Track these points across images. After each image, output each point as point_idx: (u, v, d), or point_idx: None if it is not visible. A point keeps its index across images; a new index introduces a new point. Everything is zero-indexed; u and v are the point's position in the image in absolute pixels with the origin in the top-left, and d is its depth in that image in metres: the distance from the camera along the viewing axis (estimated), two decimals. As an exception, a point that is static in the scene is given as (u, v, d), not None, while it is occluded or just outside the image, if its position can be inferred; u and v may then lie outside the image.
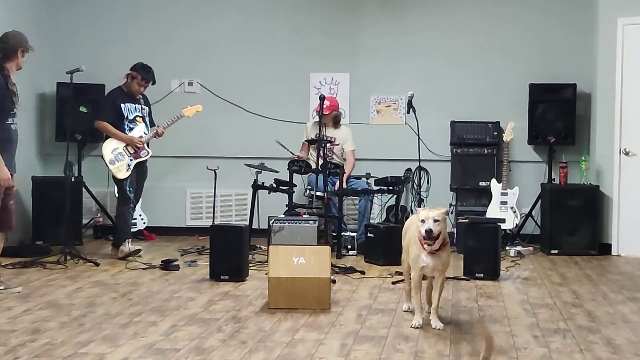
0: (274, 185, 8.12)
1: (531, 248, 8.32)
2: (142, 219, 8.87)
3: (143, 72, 7.60)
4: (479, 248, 6.80)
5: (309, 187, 8.06)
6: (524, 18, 8.94)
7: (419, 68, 9.04)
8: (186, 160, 9.20)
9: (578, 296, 6.10)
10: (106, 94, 8.05)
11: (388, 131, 9.02)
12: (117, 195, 8.02)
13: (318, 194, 7.82)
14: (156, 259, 7.41)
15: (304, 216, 7.52)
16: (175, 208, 9.20)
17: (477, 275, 6.73)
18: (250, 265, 6.88)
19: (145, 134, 7.68)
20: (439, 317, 5.09)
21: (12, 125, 5.91)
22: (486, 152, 8.74)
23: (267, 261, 5.89)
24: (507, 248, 8.07)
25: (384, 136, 9.00)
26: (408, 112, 8.21)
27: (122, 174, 7.52)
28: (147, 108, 7.81)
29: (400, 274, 6.48)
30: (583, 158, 8.39)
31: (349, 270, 6.97)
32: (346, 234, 7.97)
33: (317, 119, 8.19)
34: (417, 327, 5.00)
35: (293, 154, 8.17)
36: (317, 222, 7.42)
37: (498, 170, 8.57)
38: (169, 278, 6.65)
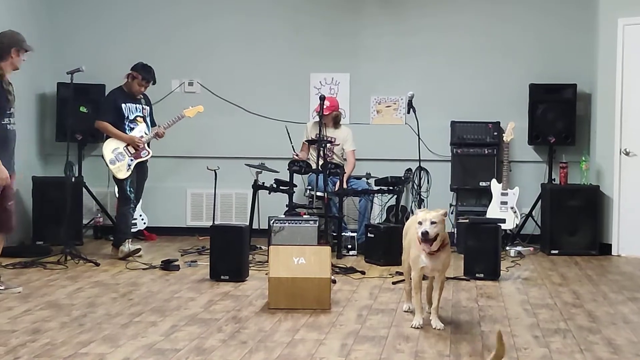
0: (274, 185, 8.13)
1: (531, 248, 8.32)
2: (142, 219, 8.87)
3: (143, 72, 7.60)
4: (479, 248, 6.80)
5: (309, 187, 8.06)
6: (524, 18, 8.94)
7: (419, 68, 9.04)
8: (186, 161, 9.21)
9: (578, 296, 6.10)
10: (107, 94, 8.05)
11: (388, 131, 9.02)
12: (117, 195, 8.02)
13: (318, 194, 7.82)
14: (156, 259, 7.41)
15: (304, 216, 7.52)
16: (176, 208, 9.20)
17: (477, 275, 6.73)
18: (250, 265, 6.88)
19: (146, 134, 7.68)
20: (440, 317, 5.09)
21: (8, 126, 5.88)
22: (486, 152, 8.74)
23: (267, 261, 5.89)
24: (508, 248, 8.07)
25: (384, 136, 9.00)
26: (408, 112, 8.21)
27: (123, 174, 7.52)
28: (148, 108, 7.81)
29: (401, 274, 6.49)
30: (583, 158, 8.39)
31: (349, 270, 6.97)
32: (346, 234, 7.97)
33: (317, 119, 8.19)
34: (418, 327, 5.00)
35: (294, 151, 8.16)
36: (317, 222, 7.42)
37: (498, 170, 8.57)
38: (169, 278, 6.65)
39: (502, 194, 8.37)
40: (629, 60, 8.13)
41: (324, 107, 8.02)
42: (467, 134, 8.75)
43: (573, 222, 8.21)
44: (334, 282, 6.29)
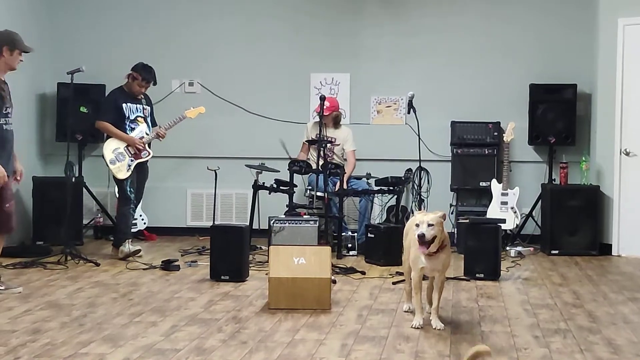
0: (275, 185, 8.12)
1: (531, 248, 8.32)
2: (142, 219, 8.87)
3: (144, 73, 7.59)
4: (479, 248, 6.80)
5: (310, 187, 8.06)
6: (524, 18, 8.94)
7: (419, 68, 9.04)
8: (187, 161, 9.21)
9: (578, 296, 6.10)
10: (107, 94, 8.05)
11: (388, 131, 9.02)
12: (117, 195, 8.02)
13: (318, 194, 7.82)
14: (157, 259, 7.41)
15: (305, 216, 7.52)
16: (176, 208, 9.20)
17: (477, 275, 6.73)
18: (250, 265, 6.88)
19: (146, 134, 7.67)
20: (440, 318, 5.09)
21: (4, 126, 5.86)
22: (486, 152, 8.74)
23: (267, 261, 5.88)
24: (508, 248, 8.07)
25: (385, 136, 9.00)
26: (408, 113, 8.21)
27: (123, 174, 7.51)
28: (149, 108, 7.81)
29: (401, 274, 6.49)
30: (583, 158, 8.39)
31: (350, 270, 6.97)
32: (347, 234, 7.98)
33: (317, 119, 8.19)
34: (418, 328, 5.00)
35: (290, 158, 8.16)
36: (317, 222, 7.42)
37: (498, 170, 8.57)
38: (169, 278, 6.65)
39: (503, 194, 8.37)
40: (629, 60, 8.13)
41: (324, 107, 8.02)
42: (467, 134, 8.75)
43: (573, 222, 8.21)
44: (334, 282, 6.29)
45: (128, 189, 7.54)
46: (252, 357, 4.35)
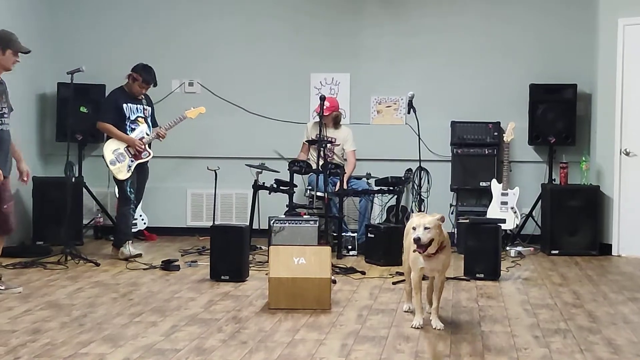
0: (275, 185, 8.12)
1: (532, 248, 8.32)
2: (142, 219, 8.87)
3: (145, 74, 7.57)
4: (479, 248, 6.80)
5: (310, 187, 8.06)
6: (524, 19, 8.94)
7: (419, 68, 9.04)
8: (187, 161, 9.21)
9: (578, 296, 6.10)
10: (108, 94, 8.03)
11: (388, 131, 9.02)
12: (117, 195, 8.02)
13: (318, 194, 7.82)
14: (157, 259, 7.41)
15: (305, 216, 7.52)
16: (176, 208, 9.20)
17: (477, 275, 6.73)
18: (250, 265, 6.88)
19: (147, 134, 7.66)
20: (440, 318, 5.09)
21: (0, 126, 5.82)
22: (487, 152, 8.74)
23: (267, 261, 5.88)
24: (508, 248, 8.07)
25: (385, 136, 9.00)
26: (408, 113, 8.21)
27: (123, 174, 7.51)
28: (149, 108, 7.79)
29: (401, 274, 6.49)
30: (583, 158, 8.39)
31: (350, 270, 6.97)
32: (347, 234, 7.97)
33: (317, 119, 8.19)
34: (418, 328, 5.00)
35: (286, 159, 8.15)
36: (317, 222, 7.42)
37: (498, 170, 8.57)
38: (169, 278, 6.65)
39: (503, 194, 8.37)
40: (629, 61, 8.13)
41: (324, 107, 8.02)
42: (467, 134, 8.75)
43: (573, 222, 8.21)
44: (334, 282, 6.29)
45: (128, 190, 7.54)
46: (252, 357, 4.36)
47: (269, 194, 8.16)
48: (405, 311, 5.43)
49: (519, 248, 8.17)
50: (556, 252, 8.14)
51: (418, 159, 8.19)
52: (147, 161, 7.72)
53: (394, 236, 7.10)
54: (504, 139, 8.38)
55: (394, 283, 6.49)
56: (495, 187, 8.42)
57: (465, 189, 8.81)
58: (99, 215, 8.97)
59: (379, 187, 8.24)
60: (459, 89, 8.98)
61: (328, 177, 7.96)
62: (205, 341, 4.66)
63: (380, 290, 6.26)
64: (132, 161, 7.56)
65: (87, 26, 9.24)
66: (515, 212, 8.31)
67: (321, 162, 7.89)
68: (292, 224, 7.40)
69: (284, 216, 7.57)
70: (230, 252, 6.48)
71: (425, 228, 4.87)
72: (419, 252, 4.93)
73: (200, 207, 9.20)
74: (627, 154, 8.12)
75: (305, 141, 8.47)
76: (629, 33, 8.13)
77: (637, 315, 5.49)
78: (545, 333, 4.95)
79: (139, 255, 7.54)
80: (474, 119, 8.78)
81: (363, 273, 6.89)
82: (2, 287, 5.91)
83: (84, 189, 8.70)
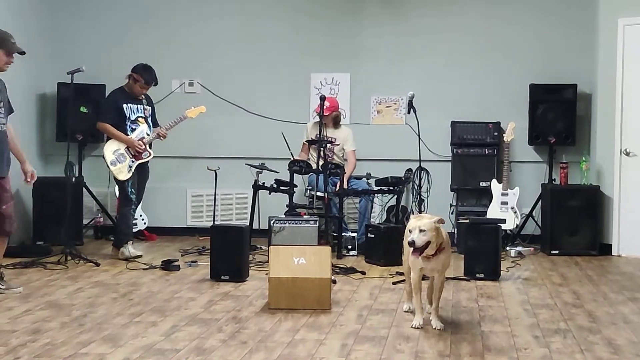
0: (275, 185, 8.12)
1: (532, 248, 8.32)
2: (142, 219, 8.87)
3: (146, 75, 7.56)
4: (479, 248, 6.80)
5: (310, 187, 8.07)
6: (524, 19, 8.94)
7: (419, 68, 9.04)
8: (187, 161, 9.21)
9: (579, 296, 6.10)
10: (108, 94, 8.03)
11: (388, 131, 9.02)
12: (117, 195, 8.02)
13: (318, 194, 7.82)
14: (157, 259, 7.41)
15: (305, 216, 7.52)
16: (176, 208, 9.20)
17: (477, 275, 6.73)
18: (250, 265, 6.88)
19: (147, 134, 7.66)
20: (440, 318, 5.09)
21: None
22: (487, 152, 8.74)
23: (267, 261, 5.88)
24: (508, 248, 8.07)
25: (385, 136, 9.00)
26: (408, 113, 8.19)
27: (124, 175, 7.50)
28: (149, 108, 7.78)
29: (401, 274, 6.50)
30: (583, 158, 8.39)
31: (350, 270, 6.97)
32: (347, 234, 7.97)
33: (317, 119, 8.20)
34: (418, 328, 5.00)
35: (292, 155, 8.14)
36: (317, 222, 7.42)
37: (498, 170, 8.57)
38: (169, 278, 6.65)
39: (503, 194, 8.37)
40: (629, 61, 8.13)
41: (324, 107, 8.02)
42: (467, 134, 8.75)
43: (573, 222, 8.21)
44: (334, 282, 6.29)
45: (129, 190, 7.53)
46: (252, 357, 4.36)
47: (269, 194, 8.16)
48: (405, 311, 5.43)
49: (519, 248, 8.17)
50: (556, 252, 8.14)
51: (418, 159, 8.16)
52: (148, 161, 7.72)
53: (394, 236, 7.11)
54: (504, 139, 8.38)
55: (394, 283, 6.49)
56: (496, 187, 8.42)
57: (465, 189, 8.81)
58: (99, 215, 8.97)
59: (379, 187, 8.24)
60: (459, 89, 8.98)
61: (328, 177, 7.96)
62: (205, 341, 4.66)
63: (380, 290, 6.26)
64: (132, 161, 7.55)
65: (87, 26, 9.24)
66: (515, 212, 8.32)
67: (321, 162, 7.89)
68: (292, 224, 7.40)
69: (284, 216, 7.57)
70: (230, 252, 6.48)
71: (421, 231, 4.86)
72: (415, 257, 4.92)
73: (200, 207, 9.20)
74: (627, 154, 8.12)
75: (305, 141, 8.47)
76: (629, 33, 8.13)
77: (637, 315, 5.49)
78: (545, 333, 4.95)
79: (139, 256, 7.53)
80: (474, 119, 8.78)
81: (363, 273, 6.89)
82: (3, 287, 5.90)
83: (84, 189, 8.71)
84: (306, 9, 9.14)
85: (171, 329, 4.94)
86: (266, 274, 5.93)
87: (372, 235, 7.62)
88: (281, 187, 8.09)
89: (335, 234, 7.90)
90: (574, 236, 8.22)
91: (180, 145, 8.93)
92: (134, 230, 8.31)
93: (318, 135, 8.03)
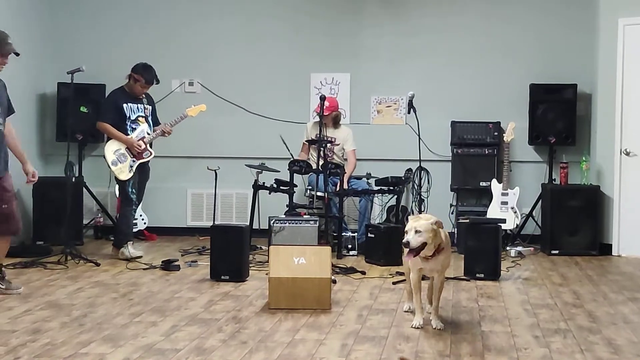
0: (275, 185, 8.12)
1: (532, 248, 8.32)
2: (142, 219, 8.87)
3: (146, 75, 7.55)
4: (479, 248, 6.80)
5: (310, 187, 8.07)
6: (524, 19, 8.94)
7: (419, 68, 9.04)
8: (187, 161, 9.21)
9: (579, 296, 6.10)
10: (108, 94, 8.02)
11: (388, 131, 9.02)
12: (117, 195, 8.01)
13: (319, 194, 7.82)
14: (157, 259, 7.41)
15: (305, 216, 7.52)
16: (176, 208, 9.20)
17: (477, 275, 6.72)
18: (250, 265, 6.88)
19: (148, 134, 7.65)
20: (440, 317, 5.09)
21: None
22: (487, 152, 8.74)
23: (267, 261, 5.88)
24: (508, 248, 8.07)
25: (385, 136, 9.00)
26: (409, 112, 8.19)
27: (125, 175, 7.50)
28: (150, 107, 7.76)
29: (401, 274, 6.51)
30: (584, 158, 8.39)
31: (350, 270, 6.97)
32: (347, 234, 7.97)
33: (317, 119, 8.20)
34: (418, 328, 5.00)
35: (292, 155, 8.14)
36: (317, 222, 7.42)
37: (499, 170, 8.57)
38: (169, 278, 6.65)
39: (503, 194, 8.37)
40: (629, 61, 8.13)
41: (324, 107, 8.01)
42: (467, 134, 8.75)
43: (573, 222, 8.21)
44: (334, 282, 6.29)
45: (130, 190, 7.52)
46: (252, 357, 4.36)
47: (269, 194, 8.16)
48: (405, 311, 5.43)
49: (519, 248, 8.17)
50: (556, 252, 8.14)
51: (418, 159, 8.16)
52: (149, 161, 7.71)
53: (394, 236, 7.10)
54: (504, 138, 8.38)
55: (394, 283, 6.49)
56: (496, 187, 8.42)
57: (466, 189, 8.81)
58: (99, 215, 8.97)
59: (379, 187, 8.24)
60: (459, 89, 8.98)
61: (328, 177, 7.96)
62: (205, 341, 4.66)
63: (380, 290, 6.26)
64: (133, 161, 7.55)
65: (87, 26, 9.24)
66: (515, 212, 8.31)
67: (321, 162, 7.89)
68: (292, 224, 7.40)
69: (284, 216, 7.57)
70: (230, 252, 6.48)
71: (417, 232, 4.85)
72: (409, 257, 4.91)
73: (200, 207, 9.20)
74: (627, 154, 8.12)
75: (305, 141, 8.47)
76: (629, 33, 8.13)
77: (637, 315, 5.49)
78: (545, 333, 4.95)
79: (139, 257, 7.52)
80: (474, 119, 8.78)
81: (363, 273, 6.89)
82: (3, 286, 5.89)
83: (84, 189, 8.70)
84: (306, 9, 9.14)
85: (171, 329, 4.94)
86: (266, 274, 5.93)
87: (372, 235, 7.62)
88: (281, 187, 8.09)
89: (335, 234, 7.90)
90: (574, 236, 8.22)
91: (181, 145, 8.93)
92: (134, 230, 8.31)
93: (318, 135, 8.03)
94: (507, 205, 8.33)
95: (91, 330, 4.88)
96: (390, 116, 9.10)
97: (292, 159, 8.14)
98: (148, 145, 7.64)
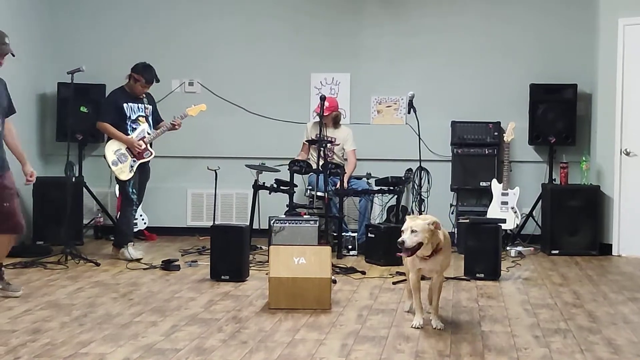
0: (275, 185, 8.13)
1: (532, 248, 8.32)
2: (142, 219, 8.87)
3: (146, 75, 7.53)
4: (479, 248, 6.80)
5: (310, 187, 8.07)
6: (524, 19, 8.94)
7: (419, 68, 9.04)
8: (187, 161, 9.21)
9: (579, 296, 6.10)
10: (108, 94, 8.01)
11: (389, 131, 9.02)
12: (117, 195, 8.00)
13: (319, 194, 7.82)
14: (157, 259, 7.41)
15: (305, 216, 7.52)
16: (176, 208, 9.20)
17: (477, 275, 6.72)
18: (250, 265, 6.88)
19: (148, 133, 7.64)
20: (440, 318, 5.09)
21: None
22: (487, 152, 8.74)
23: (267, 261, 5.88)
24: (508, 248, 8.07)
25: (385, 136, 9.00)
26: (409, 112, 8.19)
27: (125, 175, 7.49)
28: (150, 107, 7.75)
29: (401, 274, 6.51)
30: (584, 158, 8.39)
31: (350, 270, 6.97)
32: (347, 234, 7.97)
33: (317, 119, 8.20)
34: (418, 328, 4.99)
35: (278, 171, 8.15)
36: (317, 222, 7.42)
37: (499, 170, 8.57)
38: (169, 278, 6.65)
39: (503, 194, 8.37)
40: (629, 61, 8.14)
41: (324, 107, 8.01)
42: (467, 134, 8.76)
43: (573, 222, 8.21)
44: (335, 282, 6.29)
45: (130, 190, 7.51)
46: (252, 357, 4.36)
47: (269, 194, 8.16)
48: (406, 311, 5.42)
49: (519, 248, 8.17)
50: (556, 252, 8.14)
51: (418, 158, 8.16)
52: (149, 161, 7.71)
53: (394, 236, 6.99)
54: (504, 138, 8.38)
55: (394, 283, 6.49)
56: (496, 187, 8.42)
57: (466, 188, 8.81)
58: (99, 215, 8.97)
59: (379, 187, 8.24)
60: (459, 89, 8.98)
61: (328, 177, 7.96)
62: (205, 341, 4.66)
63: (380, 290, 6.26)
64: (134, 161, 7.54)
65: (87, 26, 9.24)
66: (515, 212, 8.32)
67: (321, 162, 7.89)
68: (292, 224, 7.40)
69: (284, 216, 7.57)
70: (230, 252, 6.48)
71: (413, 231, 4.85)
72: (406, 256, 4.91)
73: (200, 207, 9.20)
74: (627, 154, 8.13)
75: (305, 141, 8.47)
76: (629, 33, 8.13)
77: (637, 315, 5.49)
78: (545, 333, 4.95)
79: (139, 259, 7.47)
80: (474, 119, 8.78)
81: (363, 273, 6.89)
82: (0, 287, 5.84)
83: (84, 189, 8.71)
84: (306, 9, 9.14)
85: (171, 328, 4.94)
86: (266, 274, 5.93)
87: (372, 235, 7.62)
88: (281, 187, 8.09)
89: (335, 234, 7.90)
90: (574, 236, 8.22)
91: (181, 145, 8.93)
92: (134, 230, 8.31)
93: (318, 135, 8.03)
94: (507, 205, 8.33)
95: (91, 330, 4.88)
96: (390, 116, 9.10)
97: (292, 160, 8.13)
98: (148, 145, 7.64)
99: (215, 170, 7.80)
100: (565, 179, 8.45)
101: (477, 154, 8.75)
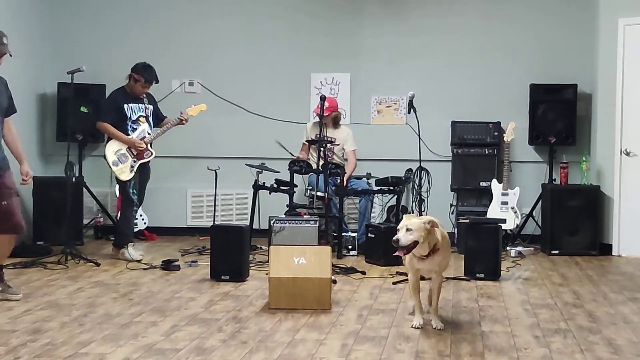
0: (275, 185, 8.13)
1: (532, 248, 8.32)
2: (142, 219, 8.87)
3: (146, 75, 7.53)
4: (479, 248, 6.80)
5: (310, 187, 8.07)
6: (524, 19, 8.94)
7: (419, 68, 9.04)
8: (187, 161, 9.21)
9: (579, 296, 6.10)
10: (109, 94, 8.00)
11: (389, 131, 9.02)
12: (117, 195, 8.00)
13: (319, 194, 7.82)
14: (157, 259, 7.41)
15: (305, 216, 7.52)
16: (176, 208, 9.20)
17: (477, 275, 6.72)
18: (250, 265, 6.88)
19: (148, 133, 7.64)
20: (440, 318, 5.09)
21: None
22: (487, 152, 8.74)
23: (267, 261, 5.88)
24: (508, 248, 8.07)
25: (385, 136, 9.00)
26: (409, 112, 8.18)
27: (126, 175, 7.49)
28: (151, 107, 7.74)
29: (401, 274, 6.51)
30: (584, 158, 8.39)
31: (350, 270, 6.97)
32: (347, 234, 7.97)
33: (317, 119, 8.20)
34: (418, 328, 4.99)
35: (292, 155, 8.15)
36: (317, 222, 7.42)
37: (499, 170, 8.57)
38: (169, 278, 6.65)
39: (503, 194, 8.37)
40: (629, 61, 8.14)
41: (324, 107, 8.01)
42: (467, 134, 8.76)
43: (573, 222, 8.21)
44: (335, 282, 6.29)
45: (131, 191, 7.50)
46: (252, 357, 4.36)
47: (269, 194, 8.16)
48: (410, 314, 5.40)
49: (519, 248, 8.17)
50: (556, 252, 8.14)
51: (418, 159, 8.15)
52: (149, 161, 7.70)
53: (394, 236, 7.09)
54: (504, 139, 8.38)
55: (394, 283, 6.49)
56: (496, 187, 8.42)
57: (466, 189, 8.81)
58: (99, 215, 8.97)
59: (379, 187, 8.24)
60: (459, 89, 8.98)
61: (328, 177, 7.96)
62: (205, 341, 4.66)
63: (380, 290, 6.26)
64: (134, 161, 7.54)
65: (87, 26, 9.24)
66: (515, 212, 8.31)
67: (321, 162, 7.89)
68: (292, 224, 7.40)
69: (284, 216, 7.57)
70: (230, 252, 6.48)
71: (408, 230, 4.84)
72: (401, 254, 4.91)
73: (200, 207, 9.20)
74: (627, 154, 8.13)
75: (305, 141, 8.47)
76: (629, 33, 8.13)
77: (637, 315, 5.49)
78: (545, 333, 4.95)
79: (139, 261, 7.46)
80: (474, 119, 8.78)
81: (363, 273, 6.89)
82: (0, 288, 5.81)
83: (84, 189, 8.71)
84: (306, 9, 9.14)
85: (171, 328, 4.94)
86: (266, 274, 5.93)
87: (372, 235, 7.62)
88: (281, 187, 8.09)
89: (335, 234, 7.90)
90: (574, 236, 8.22)
91: (181, 145, 8.94)
92: (134, 230, 8.30)
93: (318, 135, 8.03)
94: (507, 205, 8.33)
95: (91, 330, 4.88)
96: (390, 116, 9.10)
97: (292, 160, 8.13)
98: (149, 145, 7.64)
99: (215, 170, 7.80)
100: (565, 179, 8.45)
101: (477, 154, 8.74)
